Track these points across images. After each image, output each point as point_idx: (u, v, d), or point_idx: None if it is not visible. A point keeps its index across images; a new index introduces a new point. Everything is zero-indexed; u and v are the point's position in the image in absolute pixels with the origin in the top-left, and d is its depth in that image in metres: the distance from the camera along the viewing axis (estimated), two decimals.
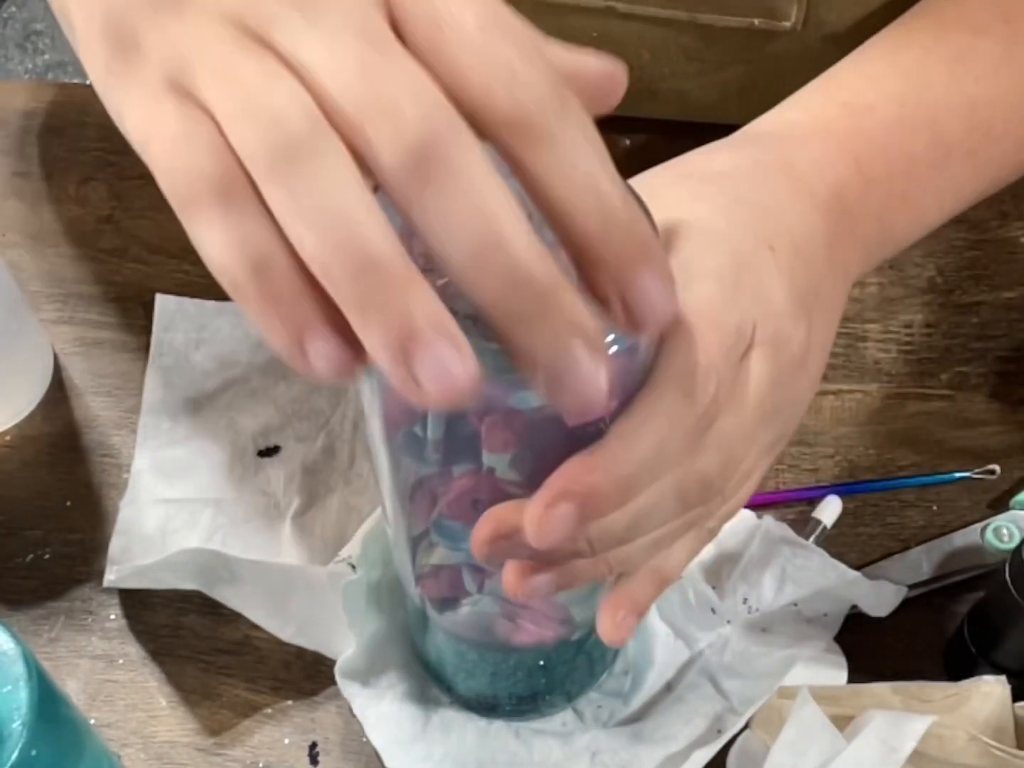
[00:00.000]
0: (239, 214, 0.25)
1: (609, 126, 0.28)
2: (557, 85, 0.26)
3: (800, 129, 0.42)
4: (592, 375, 0.26)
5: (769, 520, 0.54)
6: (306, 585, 0.52)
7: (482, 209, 0.25)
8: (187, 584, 0.54)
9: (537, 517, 0.30)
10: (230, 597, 0.53)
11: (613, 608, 0.36)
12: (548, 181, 0.26)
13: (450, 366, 0.24)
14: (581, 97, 0.26)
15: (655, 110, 0.66)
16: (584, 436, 0.31)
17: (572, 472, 0.31)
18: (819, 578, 0.53)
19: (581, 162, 0.26)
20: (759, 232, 0.36)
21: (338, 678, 0.50)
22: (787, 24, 0.60)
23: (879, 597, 0.53)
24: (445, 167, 0.24)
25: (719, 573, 0.54)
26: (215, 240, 0.26)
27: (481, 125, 0.25)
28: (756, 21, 0.60)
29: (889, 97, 0.44)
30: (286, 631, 0.53)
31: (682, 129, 0.61)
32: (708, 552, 0.54)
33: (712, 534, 0.38)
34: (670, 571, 0.37)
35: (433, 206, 0.25)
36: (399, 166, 0.25)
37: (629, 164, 0.32)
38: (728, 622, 0.53)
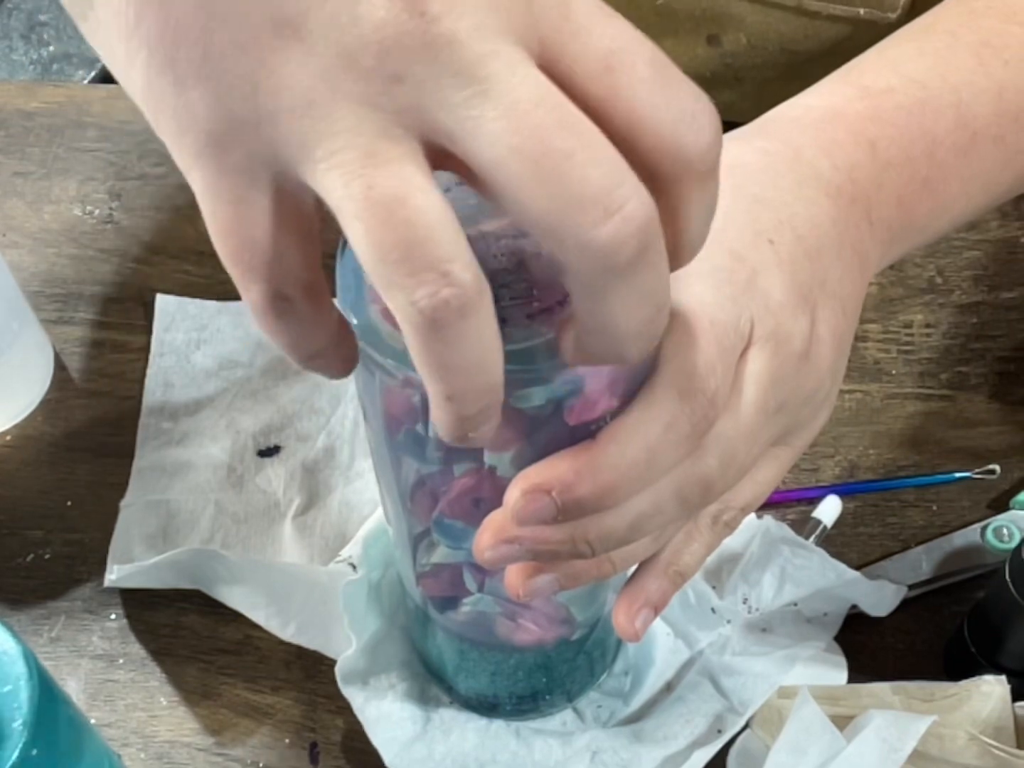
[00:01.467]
0: (294, 318, 0.27)
1: None
2: (720, 128, 0.26)
3: (815, 114, 0.41)
4: None
5: (769, 520, 0.54)
6: (307, 585, 0.52)
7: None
8: (187, 584, 0.54)
9: (513, 503, 0.31)
10: (230, 597, 0.53)
11: (628, 603, 0.36)
12: (687, 226, 0.27)
13: None
14: None
15: (735, 95, 0.65)
16: (585, 435, 0.31)
17: (554, 469, 0.30)
18: (819, 578, 0.53)
19: (709, 215, 0.28)
20: (758, 226, 0.36)
21: (338, 678, 0.50)
22: (892, 16, 0.60)
23: (879, 597, 0.53)
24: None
25: (719, 573, 0.54)
26: (263, 323, 0.27)
27: (662, 165, 0.25)
28: (862, 11, 0.60)
29: (911, 80, 0.43)
30: (286, 631, 0.52)
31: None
32: None
33: (730, 528, 0.37)
34: (686, 567, 0.37)
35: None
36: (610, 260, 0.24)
37: None
38: (728, 622, 0.53)
